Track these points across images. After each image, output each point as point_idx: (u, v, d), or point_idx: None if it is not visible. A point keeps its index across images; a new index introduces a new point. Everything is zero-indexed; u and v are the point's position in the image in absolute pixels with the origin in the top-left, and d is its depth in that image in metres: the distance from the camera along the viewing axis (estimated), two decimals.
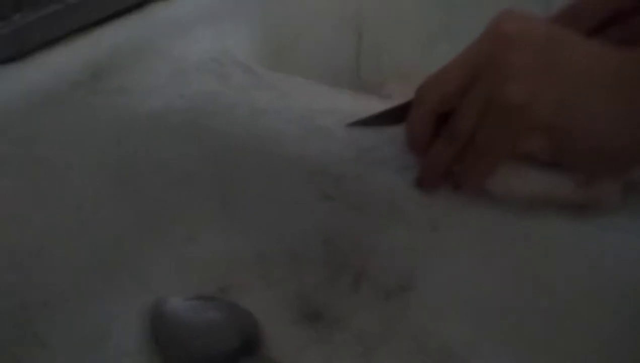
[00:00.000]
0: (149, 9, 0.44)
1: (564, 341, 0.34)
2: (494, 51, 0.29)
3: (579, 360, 0.33)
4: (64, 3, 0.41)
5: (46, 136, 0.39)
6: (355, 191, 0.37)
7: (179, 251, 0.43)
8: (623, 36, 0.34)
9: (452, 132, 0.31)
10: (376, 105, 0.39)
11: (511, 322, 0.35)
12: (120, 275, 0.42)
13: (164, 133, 0.41)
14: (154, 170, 0.42)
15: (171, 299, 0.40)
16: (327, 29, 0.58)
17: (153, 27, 0.44)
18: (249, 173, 0.41)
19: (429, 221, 0.36)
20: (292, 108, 0.40)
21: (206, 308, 0.41)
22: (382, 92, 0.60)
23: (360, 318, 0.40)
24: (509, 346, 0.35)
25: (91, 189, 0.41)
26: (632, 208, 0.32)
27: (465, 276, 0.37)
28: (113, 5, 0.43)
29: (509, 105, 0.29)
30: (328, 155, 0.37)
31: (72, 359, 0.37)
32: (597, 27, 0.34)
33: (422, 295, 0.38)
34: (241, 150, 0.40)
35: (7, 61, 0.39)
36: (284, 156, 0.39)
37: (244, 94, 0.41)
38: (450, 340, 0.37)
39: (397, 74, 0.62)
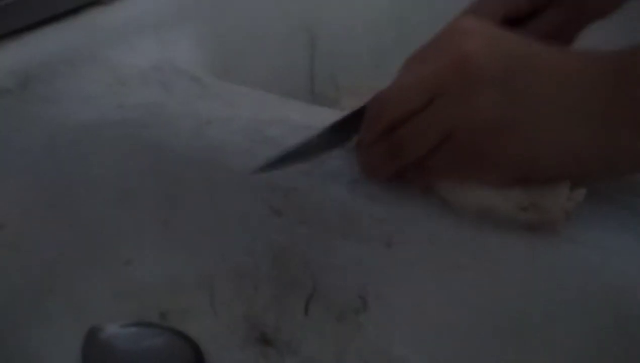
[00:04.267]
0: (86, 14, 0.42)
1: (523, 359, 0.33)
2: (459, 83, 0.27)
3: None
4: None
5: None
6: (305, 205, 0.36)
7: (116, 274, 0.41)
8: (541, 30, 0.35)
9: (401, 149, 0.30)
10: (327, 116, 0.38)
11: (470, 340, 0.34)
12: (51, 300, 0.39)
13: (100, 146, 0.38)
14: (88, 186, 0.39)
15: (106, 326, 0.38)
16: (279, 42, 0.57)
17: (90, 33, 0.41)
18: (192, 188, 0.38)
19: (383, 236, 0.34)
20: (238, 118, 0.38)
21: (145, 335, 0.38)
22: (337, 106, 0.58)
23: (312, 341, 0.38)
24: None
25: (18, 207, 0.38)
26: (586, 219, 0.31)
27: (420, 294, 0.35)
28: (46, 10, 0.40)
29: (477, 152, 0.28)
30: None
31: None
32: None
33: (376, 316, 0.36)
34: (184, 163, 0.38)
35: None
36: (230, 169, 0.37)
37: (187, 104, 0.39)
38: (406, 362, 0.35)
39: (351, 89, 0.61)
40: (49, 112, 0.38)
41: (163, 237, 0.40)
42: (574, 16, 0.36)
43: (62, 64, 0.39)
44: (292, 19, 0.58)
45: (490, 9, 0.35)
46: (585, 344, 0.31)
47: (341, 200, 0.34)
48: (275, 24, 0.56)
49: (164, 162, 0.39)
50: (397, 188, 0.34)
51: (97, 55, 0.41)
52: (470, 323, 0.34)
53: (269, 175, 0.35)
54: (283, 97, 0.40)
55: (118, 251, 0.41)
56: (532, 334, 0.33)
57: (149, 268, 0.41)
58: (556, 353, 0.32)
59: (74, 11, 0.41)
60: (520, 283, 0.33)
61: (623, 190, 0.33)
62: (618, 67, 0.27)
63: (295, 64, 0.60)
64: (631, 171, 0.29)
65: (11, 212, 0.37)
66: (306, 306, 0.38)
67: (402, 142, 0.30)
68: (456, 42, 0.27)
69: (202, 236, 0.40)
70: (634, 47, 0.27)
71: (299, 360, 0.38)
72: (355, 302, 0.37)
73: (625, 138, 0.27)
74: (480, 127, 0.27)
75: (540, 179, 0.29)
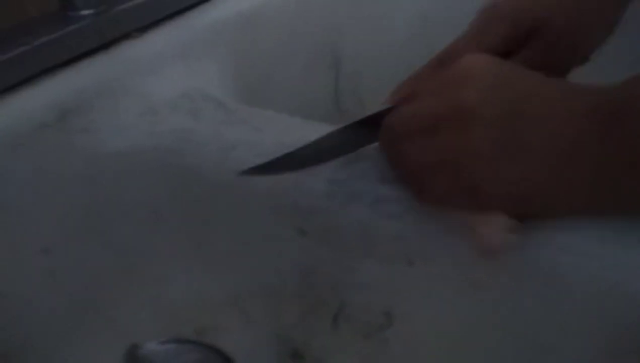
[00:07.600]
0: (117, 48, 0.44)
1: None
2: (457, 123, 0.30)
3: None
4: (30, 45, 0.40)
5: (12, 178, 0.38)
6: (328, 225, 0.37)
7: (153, 293, 0.43)
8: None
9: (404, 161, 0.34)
10: None
11: (492, 357, 0.34)
12: (92, 319, 0.41)
13: (133, 173, 0.40)
14: (124, 211, 0.41)
15: (146, 344, 0.39)
16: (302, 63, 0.58)
17: (121, 65, 0.43)
18: (221, 210, 0.40)
19: (405, 255, 0.35)
20: (263, 142, 0.39)
21: (182, 351, 0.40)
22: None
23: (341, 357, 0.39)
24: None
25: (59, 232, 0.40)
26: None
27: (444, 311, 0.36)
28: (80, 46, 0.42)
29: (471, 181, 0.30)
30: (299, 188, 0.37)
31: None
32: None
33: (401, 332, 0.37)
34: (212, 187, 0.39)
35: None
36: (255, 191, 0.38)
37: (214, 129, 0.41)
38: None
39: (377, 105, 0.62)
40: (85, 142, 0.40)
41: (195, 257, 0.42)
42: (548, 59, 0.37)
43: (96, 96, 0.42)
44: (316, 41, 0.59)
45: (465, 49, 0.37)
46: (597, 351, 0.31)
47: (361, 220, 0.35)
48: (299, 47, 0.57)
49: (193, 185, 0.40)
50: (418, 207, 0.35)
51: (129, 86, 0.43)
52: (496, 339, 0.34)
53: (293, 197, 0.37)
54: (307, 120, 0.42)
55: (152, 271, 0.43)
56: (558, 351, 0.33)
57: (182, 287, 0.43)
58: None
59: (105, 46, 0.44)
60: (545, 299, 0.33)
61: None
62: (610, 106, 0.27)
63: (320, 83, 0.61)
64: (627, 210, 0.29)
65: (55, 237, 0.40)
66: (334, 322, 0.39)
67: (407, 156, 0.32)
68: (458, 88, 0.30)
69: (231, 256, 0.41)
70: (625, 81, 0.27)
71: None
72: (380, 319, 0.38)
73: (618, 177, 0.27)
74: (475, 155, 0.29)
75: (530, 216, 0.30)
